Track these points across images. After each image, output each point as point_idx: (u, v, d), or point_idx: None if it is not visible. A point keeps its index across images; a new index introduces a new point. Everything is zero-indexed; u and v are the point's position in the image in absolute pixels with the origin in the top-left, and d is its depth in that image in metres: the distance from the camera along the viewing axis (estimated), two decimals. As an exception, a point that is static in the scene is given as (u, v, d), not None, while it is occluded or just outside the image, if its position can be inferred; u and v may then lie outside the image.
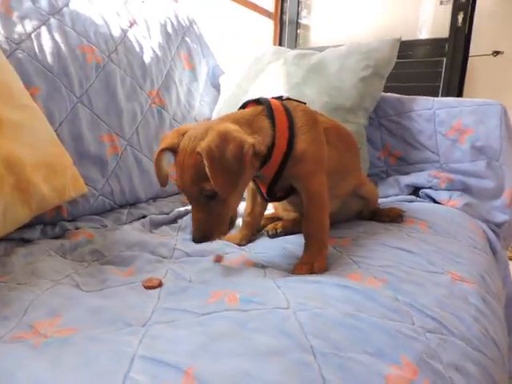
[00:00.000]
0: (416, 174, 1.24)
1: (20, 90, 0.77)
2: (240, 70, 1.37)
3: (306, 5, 3.13)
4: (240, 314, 0.47)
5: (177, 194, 1.21)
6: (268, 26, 3.04)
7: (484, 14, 2.57)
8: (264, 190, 0.80)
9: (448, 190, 1.20)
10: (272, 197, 0.82)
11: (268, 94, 0.84)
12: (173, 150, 0.66)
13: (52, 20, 0.97)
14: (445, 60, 2.62)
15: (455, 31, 2.54)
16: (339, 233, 0.90)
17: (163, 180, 0.71)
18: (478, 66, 2.68)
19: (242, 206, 0.93)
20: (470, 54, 2.60)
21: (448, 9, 2.58)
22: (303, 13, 3.15)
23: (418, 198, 1.23)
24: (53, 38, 0.95)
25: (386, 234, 0.88)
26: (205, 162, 0.58)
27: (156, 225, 1.00)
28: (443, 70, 2.63)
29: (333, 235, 0.87)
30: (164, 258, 0.80)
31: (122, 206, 1.06)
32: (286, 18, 3.08)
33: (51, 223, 0.89)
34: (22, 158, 0.72)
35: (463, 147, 1.19)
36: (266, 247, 0.87)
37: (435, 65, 2.65)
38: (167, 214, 1.05)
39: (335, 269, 0.71)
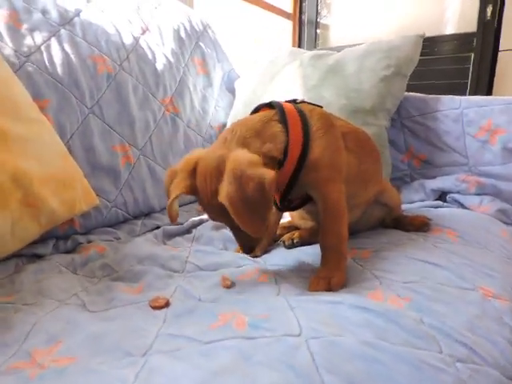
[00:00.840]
0: (443, 177, 1.17)
1: (27, 103, 0.76)
2: (255, 74, 1.34)
3: (325, 4, 3.07)
4: (246, 344, 0.43)
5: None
6: (287, 27, 2.99)
7: (514, 7, 2.43)
8: (277, 199, 0.76)
9: (478, 194, 1.13)
10: (286, 206, 0.78)
11: (284, 97, 0.80)
12: (188, 193, 0.65)
13: (62, 31, 0.96)
14: (473, 55, 2.50)
15: (484, 25, 2.42)
16: (359, 243, 0.85)
17: (175, 216, 0.70)
18: (508, 62, 2.55)
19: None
20: (499, 49, 2.47)
21: (475, 2, 2.46)
22: (323, 12, 3.09)
23: (444, 204, 1.15)
24: (63, 49, 0.94)
25: (411, 245, 0.82)
26: (229, 210, 0.56)
27: (169, 236, 0.97)
28: (471, 66, 2.51)
29: (352, 246, 0.82)
30: (175, 272, 0.77)
31: (135, 217, 1.04)
32: (305, 17, 3.03)
33: (64, 237, 0.88)
34: (29, 173, 0.70)
35: (494, 149, 1.10)
36: (281, 259, 0.83)
37: (462, 61, 2.53)
38: (181, 224, 1.03)
39: (354, 285, 0.66)
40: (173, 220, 0.70)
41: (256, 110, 0.74)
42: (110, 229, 0.96)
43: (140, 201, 1.03)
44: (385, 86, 1.11)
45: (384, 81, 1.11)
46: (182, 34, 1.29)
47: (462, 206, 1.13)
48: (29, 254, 0.80)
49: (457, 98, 1.16)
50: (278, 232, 0.98)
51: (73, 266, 0.78)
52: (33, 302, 0.60)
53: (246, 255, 0.80)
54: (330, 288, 0.64)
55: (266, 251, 0.90)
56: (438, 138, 1.19)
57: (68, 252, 0.85)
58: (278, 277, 0.72)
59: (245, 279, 0.72)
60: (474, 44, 2.48)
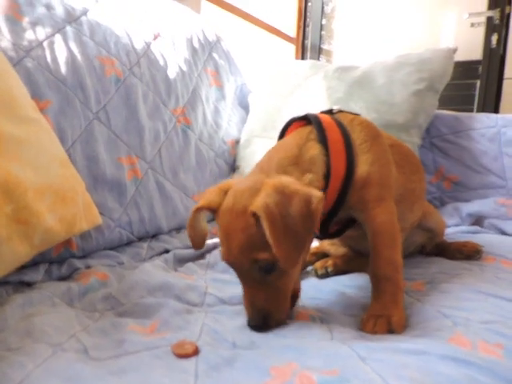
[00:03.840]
0: (479, 201, 1.07)
1: (25, 100, 0.64)
2: (272, 87, 1.25)
3: (328, 30, 3.06)
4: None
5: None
6: (289, 51, 2.97)
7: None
8: (317, 226, 0.65)
9: (519, 219, 1.02)
10: (326, 233, 0.66)
11: (307, 110, 0.70)
12: (213, 209, 0.54)
13: (68, 28, 0.86)
14: (478, 83, 2.48)
15: (489, 53, 2.42)
16: (406, 274, 0.72)
17: (198, 241, 0.59)
18: (513, 89, 2.54)
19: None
20: (504, 77, 2.47)
21: (480, 31, 2.46)
22: (325, 38, 3.08)
23: (482, 229, 1.05)
24: (68, 48, 0.83)
25: (470, 276, 0.71)
26: (263, 223, 0.46)
27: (181, 261, 0.84)
28: (477, 93, 2.49)
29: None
30: (194, 305, 0.64)
31: (141, 239, 0.91)
32: (308, 43, 3.01)
33: (58, 261, 0.74)
34: (22, 181, 0.58)
35: (537, 170, 1.01)
36: (318, 291, 0.71)
37: (468, 88, 2.51)
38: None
39: (419, 325, 0.55)
40: (197, 246, 0.59)
41: (287, 125, 0.65)
42: (111, 252, 0.82)
43: (146, 220, 0.90)
44: (417, 101, 1.02)
45: (416, 95, 1.02)
46: (195, 44, 1.20)
47: (502, 231, 1.03)
48: (15, 282, 0.66)
49: (493, 115, 1.08)
50: (307, 259, 0.86)
51: (68, 297, 0.64)
52: (19, 346, 0.46)
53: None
54: (390, 329, 0.53)
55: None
56: (471, 159, 1.09)
57: (63, 279, 0.71)
58: (321, 314, 0.60)
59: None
60: (480, 71, 2.47)
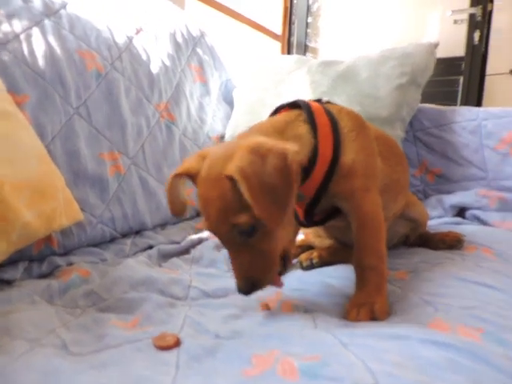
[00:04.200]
0: (461, 193, 1.08)
1: (0, 93, 0.63)
2: (256, 82, 1.24)
3: (314, 28, 3.07)
4: (309, 401, 0.30)
5: (188, 219, 1.05)
6: (275, 49, 2.97)
7: (500, 33, 2.49)
8: (301, 213, 0.65)
9: (500, 210, 1.04)
10: (310, 221, 0.66)
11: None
12: (191, 176, 0.53)
13: (46, 21, 0.84)
14: (461, 79, 2.52)
15: (472, 49, 2.45)
16: (390, 263, 0.72)
17: (178, 208, 0.57)
18: (495, 85, 2.58)
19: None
20: (486, 73, 2.51)
21: (463, 28, 2.49)
22: (311, 36, 3.09)
23: (465, 220, 1.06)
24: (46, 41, 0.82)
25: (452, 265, 0.71)
26: (240, 186, 0.45)
27: (165, 256, 0.83)
28: (459, 89, 2.53)
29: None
30: (177, 299, 0.64)
31: (124, 236, 0.90)
32: (294, 40, 3.02)
33: (38, 258, 0.73)
34: (-2, 176, 0.56)
35: (516, 162, 1.03)
36: (303, 282, 0.71)
37: (451, 84, 2.54)
38: (178, 243, 0.89)
39: (403, 312, 0.55)
40: (176, 212, 0.57)
41: (276, 112, 0.64)
42: (94, 249, 0.81)
43: (130, 216, 0.89)
44: (400, 95, 1.03)
45: (399, 89, 1.03)
46: (179, 39, 1.19)
47: (483, 222, 1.04)
48: (-7, 280, 0.64)
49: (474, 108, 1.10)
50: (292, 251, 0.86)
51: (49, 294, 0.63)
52: (-4, 342, 0.45)
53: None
54: (374, 317, 0.53)
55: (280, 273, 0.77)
56: (454, 151, 1.11)
57: (43, 277, 0.70)
58: (305, 304, 0.60)
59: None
60: (463, 68, 2.51)
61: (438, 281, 0.63)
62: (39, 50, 0.79)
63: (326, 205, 0.63)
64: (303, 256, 0.80)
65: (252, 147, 0.47)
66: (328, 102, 0.67)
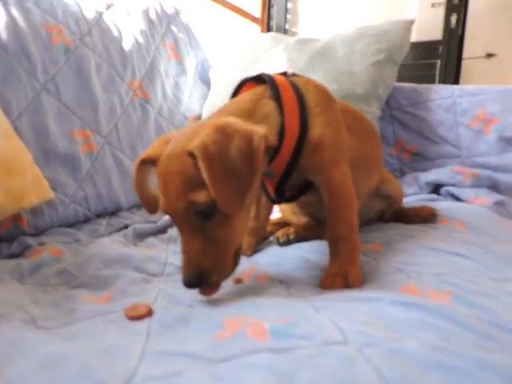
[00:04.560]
0: (436, 170, 1.10)
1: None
2: (233, 61, 1.22)
3: (293, 11, 3.04)
4: (278, 358, 0.30)
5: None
6: (255, 32, 2.92)
7: (477, 17, 2.52)
8: (272, 190, 0.64)
9: (473, 186, 1.06)
10: (281, 197, 0.65)
11: None
12: (155, 161, 0.50)
13: (9, -8, 0.80)
14: (439, 62, 2.54)
15: (449, 33, 2.47)
16: (365, 237, 0.75)
17: (150, 203, 0.54)
18: (471, 69, 2.62)
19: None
20: (463, 57, 2.54)
21: (440, 11, 2.51)
22: (291, 21, 3.05)
23: (439, 197, 1.08)
24: (9, 13, 0.78)
25: (425, 236, 0.73)
26: (200, 163, 0.42)
27: (141, 236, 0.82)
28: (437, 72, 2.56)
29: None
30: (153, 275, 0.63)
31: (99, 216, 0.88)
32: (274, 24, 2.98)
33: (8, 238, 0.71)
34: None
35: (489, 138, 1.05)
36: (279, 257, 0.71)
37: (429, 67, 2.57)
38: (154, 222, 0.88)
39: (376, 280, 0.55)
40: (150, 209, 0.54)
41: (240, 87, 0.62)
42: (67, 229, 0.79)
43: (104, 196, 0.87)
44: (376, 72, 1.03)
45: (375, 66, 1.03)
46: (152, 16, 1.15)
47: (457, 198, 1.07)
48: (-41, 260, 0.62)
49: (449, 86, 1.11)
50: (269, 229, 0.86)
51: (19, 273, 0.61)
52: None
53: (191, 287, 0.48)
54: (348, 285, 0.53)
55: (256, 250, 0.77)
56: (429, 129, 1.12)
57: (13, 257, 0.68)
58: (281, 276, 0.60)
59: (243, 281, 0.59)
60: (440, 51, 2.53)
61: (410, 251, 0.64)
62: (1, 22, 0.75)
63: (296, 180, 0.62)
64: (280, 232, 0.80)
65: (219, 126, 0.45)
66: (294, 75, 0.65)
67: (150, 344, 0.36)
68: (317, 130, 0.58)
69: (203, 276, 0.45)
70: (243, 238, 0.52)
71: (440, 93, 1.11)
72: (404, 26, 1.07)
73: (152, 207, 0.54)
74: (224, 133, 0.44)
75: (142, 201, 0.54)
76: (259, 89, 0.58)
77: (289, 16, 3.00)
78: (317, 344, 0.32)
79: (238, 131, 0.45)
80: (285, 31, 2.99)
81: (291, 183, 0.62)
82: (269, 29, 2.99)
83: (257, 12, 2.92)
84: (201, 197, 0.44)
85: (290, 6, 3.00)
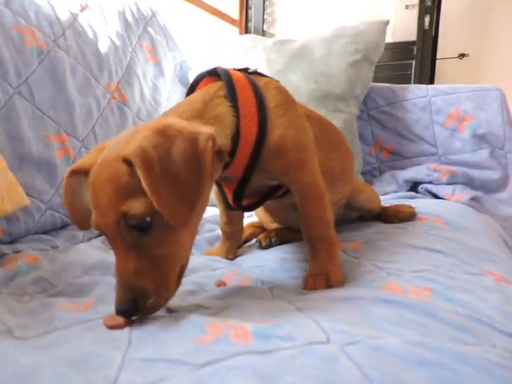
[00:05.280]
0: (414, 168, 1.13)
1: None
2: (212, 63, 1.22)
3: (271, 13, 3.05)
4: (261, 360, 0.30)
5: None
6: (233, 34, 2.92)
7: (449, 18, 2.59)
8: (230, 196, 0.60)
9: (449, 183, 1.09)
10: (239, 204, 0.61)
11: None
12: (88, 172, 0.44)
13: (-23, -6, 0.78)
14: (414, 63, 2.60)
15: (423, 34, 2.53)
16: (345, 236, 0.76)
17: (80, 217, 0.48)
18: (445, 68, 2.70)
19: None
20: (437, 57, 2.60)
21: (414, 13, 2.57)
22: (268, 21, 3.07)
23: (418, 194, 1.11)
24: (-21, 15, 0.75)
25: (404, 234, 0.74)
26: (138, 171, 0.37)
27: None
28: (412, 72, 2.62)
29: (338, 239, 0.71)
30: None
31: (77, 222, 0.86)
32: (252, 25, 2.99)
33: (-20, 247, 0.68)
34: None
35: (463, 136, 1.08)
36: (260, 259, 0.71)
37: (404, 67, 2.63)
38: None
39: (357, 278, 0.56)
40: (81, 224, 0.49)
41: (197, 81, 0.57)
42: (44, 236, 0.77)
43: (83, 202, 0.85)
44: (354, 72, 1.05)
45: (353, 66, 1.05)
46: (129, 17, 1.14)
47: (435, 195, 1.09)
48: None
49: (424, 86, 1.14)
50: (250, 231, 0.86)
51: (-7, 283, 0.59)
52: None
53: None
54: (329, 285, 0.53)
55: (237, 254, 0.77)
56: (406, 128, 1.15)
57: (-13, 266, 0.66)
58: (263, 278, 0.60)
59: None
60: (415, 52, 2.59)
61: (390, 249, 0.65)
62: (-30, 23, 0.73)
63: (260, 183, 0.59)
64: (262, 236, 0.80)
65: (159, 128, 0.40)
66: (255, 73, 0.60)
67: (130, 351, 0.35)
68: (277, 132, 0.54)
69: (138, 301, 0.40)
70: (189, 255, 0.47)
71: (415, 92, 1.13)
72: (379, 27, 1.10)
73: (83, 223, 0.48)
74: (164, 135, 0.40)
75: (71, 215, 0.49)
76: (214, 86, 0.53)
77: (266, 16, 3.01)
78: (299, 344, 0.32)
79: (181, 132, 0.40)
80: (263, 33, 3.00)
81: (254, 188, 0.59)
82: (247, 30, 3.00)
83: (235, 14, 2.93)
84: (135, 207, 0.38)
85: (267, 7, 3.01)
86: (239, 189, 0.57)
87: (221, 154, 0.49)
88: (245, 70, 0.59)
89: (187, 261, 0.46)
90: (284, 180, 0.59)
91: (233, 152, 0.51)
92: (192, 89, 0.57)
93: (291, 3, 2.90)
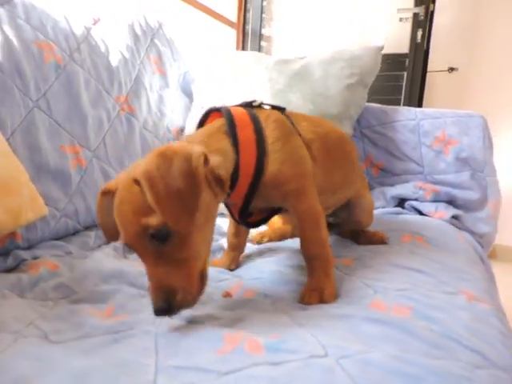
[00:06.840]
0: (401, 185, 1.21)
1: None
2: (215, 77, 1.28)
3: (268, 16, 3.11)
4: (274, 370, 0.37)
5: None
6: (231, 36, 2.97)
7: (440, 33, 2.68)
8: (236, 215, 0.69)
9: (433, 201, 1.18)
10: (246, 222, 0.70)
11: (249, 99, 0.72)
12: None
13: (1, 10, 0.82)
14: (405, 74, 2.69)
15: (415, 47, 2.63)
16: (337, 251, 0.83)
17: (111, 230, 0.54)
18: (435, 82, 2.80)
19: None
20: (428, 70, 2.70)
21: (407, 26, 2.66)
22: (266, 24, 3.12)
23: (404, 210, 1.19)
24: (2, 31, 0.80)
25: (392, 253, 0.81)
26: (144, 189, 0.45)
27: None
28: (404, 83, 2.71)
29: (332, 255, 0.79)
30: (148, 291, 0.68)
31: (87, 228, 0.91)
32: (249, 28, 3.04)
33: (3, 253, 0.73)
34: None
35: (448, 158, 1.17)
36: (258, 271, 0.78)
37: (397, 79, 2.72)
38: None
39: (348, 294, 0.63)
40: (108, 236, 0.56)
41: (206, 116, 0.65)
42: (58, 242, 0.83)
43: (93, 209, 0.91)
44: (349, 94, 1.12)
45: (348, 88, 1.12)
46: (137, 30, 1.19)
47: (420, 212, 1.18)
48: (-42, 276, 0.65)
49: (413, 109, 1.22)
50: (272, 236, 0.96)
51: (19, 288, 0.64)
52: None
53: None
54: (323, 300, 0.60)
55: (238, 264, 0.84)
56: (396, 147, 1.22)
57: (8, 271, 0.71)
58: (265, 291, 0.67)
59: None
60: (407, 64, 2.68)
61: (377, 267, 0.73)
62: (-4, 41, 0.78)
63: (264, 206, 0.66)
64: (256, 236, 0.90)
65: (160, 151, 0.48)
66: (260, 106, 0.67)
67: (160, 359, 0.42)
68: (274, 166, 0.60)
69: (172, 298, 0.47)
70: (206, 257, 0.54)
71: (405, 115, 1.21)
72: (375, 52, 1.17)
73: (112, 236, 0.55)
74: (164, 157, 0.47)
75: (102, 229, 0.57)
76: (217, 123, 0.60)
77: (264, 15, 3.06)
78: (303, 357, 0.39)
79: (177, 153, 0.47)
80: (260, 35, 3.06)
81: (259, 208, 0.67)
82: (244, 32, 3.05)
83: (233, 16, 2.97)
84: (152, 220, 0.46)
85: (264, 3, 3.06)
86: (242, 211, 0.65)
87: (221, 182, 0.56)
88: (250, 104, 0.67)
89: (206, 264, 0.53)
90: (283, 205, 0.66)
91: (233, 182, 0.59)
92: (201, 123, 0.65)
93: (289, 6, 2.95)
